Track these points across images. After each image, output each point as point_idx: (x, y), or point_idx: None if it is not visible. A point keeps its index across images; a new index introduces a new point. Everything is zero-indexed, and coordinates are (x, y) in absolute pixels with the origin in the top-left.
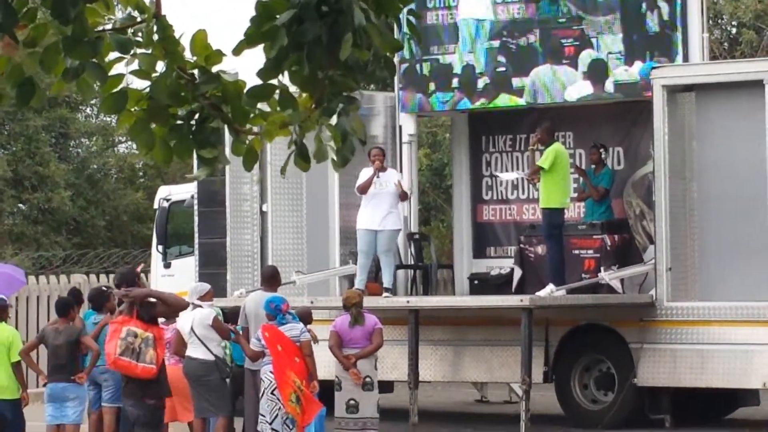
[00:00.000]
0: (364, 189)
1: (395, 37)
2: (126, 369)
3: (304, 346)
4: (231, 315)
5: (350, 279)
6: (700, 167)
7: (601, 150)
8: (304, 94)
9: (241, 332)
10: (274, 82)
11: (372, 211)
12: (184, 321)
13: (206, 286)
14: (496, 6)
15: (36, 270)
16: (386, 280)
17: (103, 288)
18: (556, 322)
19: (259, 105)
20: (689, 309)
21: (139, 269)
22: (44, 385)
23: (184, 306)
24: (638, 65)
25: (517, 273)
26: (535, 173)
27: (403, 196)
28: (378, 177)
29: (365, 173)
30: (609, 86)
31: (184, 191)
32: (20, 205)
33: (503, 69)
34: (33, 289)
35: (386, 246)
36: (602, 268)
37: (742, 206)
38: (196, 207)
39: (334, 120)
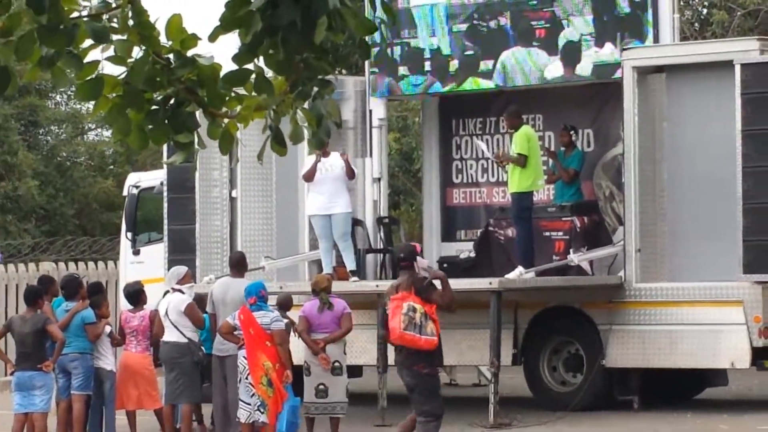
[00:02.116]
0: (309, 176)
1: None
2: (411, 342)
3: (276, 335)
4: (199, 300)
5: (319, 264)
6: (670, 149)
7: (572, 132)
8: (279, 78)
9: (208, 318)
10: (250, 66)
11: (321, 197)
12: (161, 305)
13: (183, 270)
14: None
15: (5, 258)
16: (349, 264)
17: (75, 275)
18: (525, 304)
19: (235, 89)
20: (658, 290)
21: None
22: (12, 374)
23: (450, 308)
24: (609, 46)
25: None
26: (516, 162)
27: (351, 174)
28: (321, 163)
29: (308, 160)
30: (581, 68)
31: (154, 178)
32: None
33: (472, 52)
34: (2, 277)
35: (341, 229)
36: (572, 250)
37: (712, 187)
38: (165, 193)
39: (308, 103)
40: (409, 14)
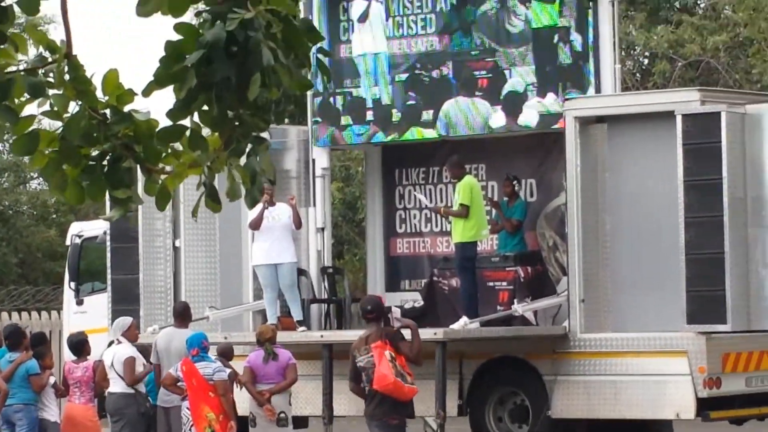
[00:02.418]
0: (256, 224)
1: (305, 75)
2: (399, 389)
3: (219, 386)
4: (143, 351)
5: (263, 314)
6: (612, 199)
7: (514, 182)
8: (214, 134)
9: (153, 368)
10: (186, 122)
11: (268, 246)
12: (106, 356)
13: (128, 320)
14: (404, 39)
15: None
16: (296, 314)
17: (18, 326)
18: (470, 354)
19: (172, 144)
20: (602, 340)
21: None
22: None
23: (417, 362)
24: (551, 96)
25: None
26: (458, 215)
27: (298, 223)
28: (268, 211)
29: (255, 208)
30: (524, 118)
31: (97, 227)
32: None
33: (414, 102)
34: None
35: (289, 279)
36: (516, 300)
37: (654, 238)
38: (108, 243)
39: (243, 160)
40: (351, 64)
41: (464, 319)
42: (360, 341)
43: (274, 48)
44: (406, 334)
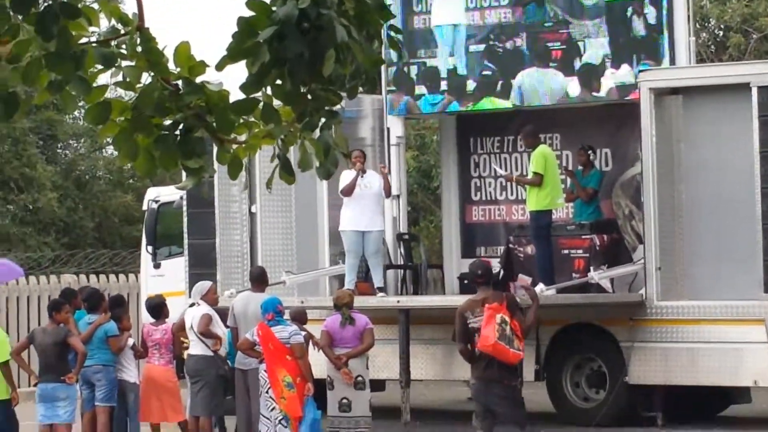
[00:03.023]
0: (348, 191)
1: (377, 50)
2: (502, 352)
3: (295, 349)
4: (221, 314)
5: (340, 279)
6: (687, 169)
7: (589, 152)
8: (286, 107)
9: (230, 332)
10: (257, 95)
11: (358, 213)
12: (187, 319)
13: (207, 285)
14: (479, 11)
15: (25, 271)
16: (377, 281)
17: (97, 289)
18: (547, 321)
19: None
20: (679, 308)
21: None
22: (35, 385)
23: (529, 329)
24: (625, 68)
25: (501, 273)
26: (532, 183)
27: (389, 192)
28: (361, 178)
29: (347, 175)
30: (599, 89)
31: (173, 192)
32: (8, 206)
33: (489, 72)
34: (23, 289)
35: (375, 247)
36: (592, 268)
37: (729, 207)
38: (185, 208)
39: (316, 134)
40: (427, 34)
41: (540, 286)
42: (473, 303)
43: (347, 24)
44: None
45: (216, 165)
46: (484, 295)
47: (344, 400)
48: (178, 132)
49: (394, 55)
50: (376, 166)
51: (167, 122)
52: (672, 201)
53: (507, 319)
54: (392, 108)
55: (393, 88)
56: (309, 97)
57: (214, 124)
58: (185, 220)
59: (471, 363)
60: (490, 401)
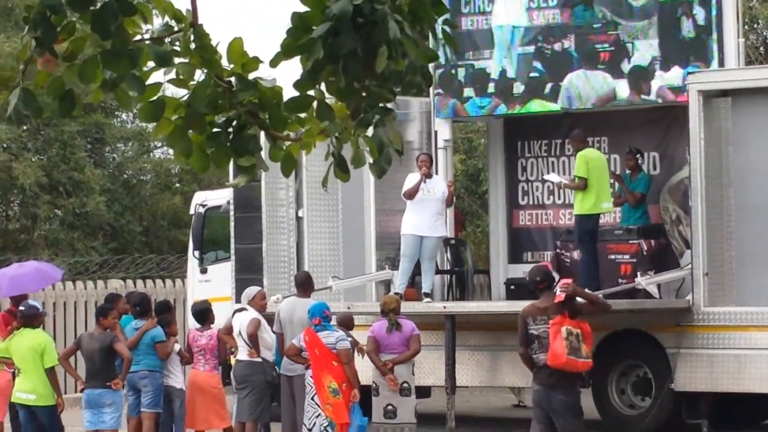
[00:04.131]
0: (411, 194)
1: (430, 46)
2: (573, 366)
3: (342, 355)
4: (270, 320)
5: (386, 284)
6: (736, 172)
7: (637, 155)
8: (339, 103)
9: (276, 338)
10: (311, 92)
11: (419, 217)
12: (235, 324)
13: (254, 290)
14: (530, 12)
15: (72, 275)
16: (426, 286)
17: (147, 294)
18: (593, 327)
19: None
20: (726, 314)
21: None
22: (81, 391)
23: (606, 307)
24: (674, 70)
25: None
26: (576, 188)
27: (450, 202)
28: (425, 183)
29: (412, 178)
30: (647, 91)
31: (220, 197)
32: (56, 210)
33: (537, 74)
34: (70, 294)
35: (431, 253)
36: (639, 273)
37: None
38: (232, 212)
39: (370, 131)
40: (472, 36)
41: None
42: (535, 309)
43: (401, 20)
44: None
45: (267, 163)
46: (548, 302)
47: (389, 407)
48: (231, 129)
49: (442, 56)
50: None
51: (220, 119)
52: (720, 205)
53: (572, 329)
54: (439, 111)
55: (440, 90)
56: (363, 93)
57: (267, 121)
58: (232, 224)
59: (530, 369)
60: (552, 407)
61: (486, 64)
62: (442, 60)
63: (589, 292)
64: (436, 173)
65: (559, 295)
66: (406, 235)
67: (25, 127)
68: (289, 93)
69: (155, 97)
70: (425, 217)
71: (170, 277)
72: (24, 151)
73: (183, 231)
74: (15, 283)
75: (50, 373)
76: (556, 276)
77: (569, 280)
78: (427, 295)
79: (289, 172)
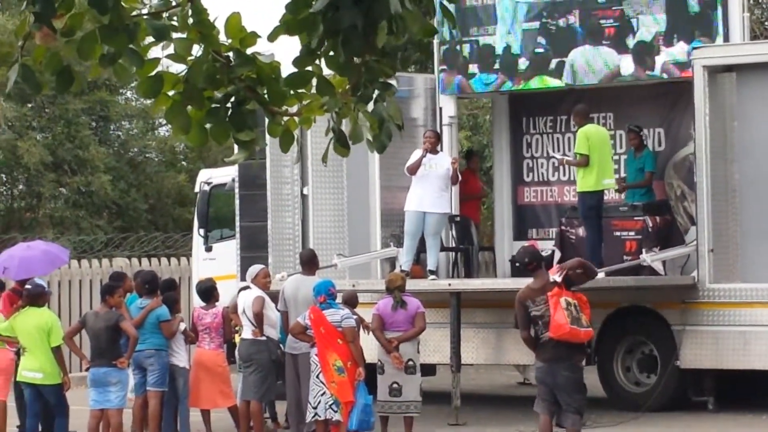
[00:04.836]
0: (412, 170)
1: (431, 21)
2: (576, 336)
3: (347, 333)
4: (274, 298)
5: (391, 262)
6: (741, 148)
7: (640, 132)
8: (338, 77)
9: (281, 316)
10: (310, 68)
11: (422, 193)
12: (239, 303)
13: (256, 269)
14: None
15: (77, 254)
16: (431, 263)
17: (155, 273)
18: (598, 304)
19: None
20: (732, 291)
21: None
22: (87, 370)
23: (593, 272)
24: (679, 45)
25: (557, 255)
26: (577, 164)
27: (455, 180)
28: (427, 159)
29: (416, 155)
30: (652, 67)
31: (225, 174)
32: (61, 189)
33: (542, 50)
34: (75, 273)
35: (434, 229)
36: (644, 250)
37: None
38: (237, 190)
39: (370, 106)
40: (477, 12)
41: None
42: (532, 291)
43: None
44: None
45: (268, 145)
46: (542, 281)
47: (395, 385)
48: (229, 104)
49: (446, 33)
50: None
51: (219, 95)
52: (725, 181)
53: (570, 299)
54: (444, 87)
55: (445, 67)
56: (363, 69)
57: (266, 96)
58: (237, 202)
59: (534, 349)
60: (556, 382)
61: (491, 40)
62: (446, 36)
63: (576, 259)
64: (441, 150)
65: (557, 279)
66: (409, 211)
67: (29, 106)
68: (287, 68)
69: (153, 73)
70: (427, 193)
71: (175, 255)
72: (28, 130)
73: (188, 209)
74: (24, 266)
75: (56, 351)
76: (558, 253)
77: (554, 267)
78: (431, 272)
79: (287, 147)
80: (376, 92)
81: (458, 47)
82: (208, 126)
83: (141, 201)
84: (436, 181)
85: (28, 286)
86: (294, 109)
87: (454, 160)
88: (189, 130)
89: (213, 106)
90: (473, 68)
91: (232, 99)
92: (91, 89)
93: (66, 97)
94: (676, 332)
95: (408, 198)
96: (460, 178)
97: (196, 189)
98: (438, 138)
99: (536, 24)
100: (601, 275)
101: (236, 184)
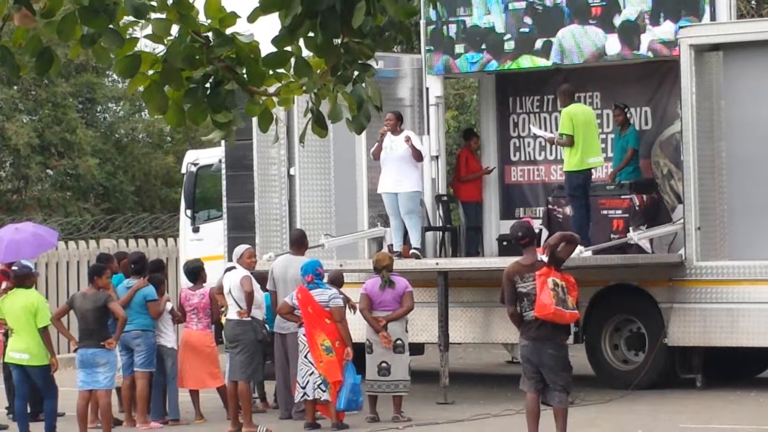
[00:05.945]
0: (376, 154)
1: (410, 2)
2: (560, 316)
3: (335, 313)
4: (259, 278)
5: (379, 241)
6: (727, 127)
7: (625, 110)
8: (317, 58)
9: (269, 296)
10: (289, 48)
11: (386, 175)
12: (225, 283)
13: (242, 249)
14: None
15: (65, 236)
16: (413, 241)
17: (143, 254)
18: (586, 282)
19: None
20: (719, 268)
21: None
22: (75, 351)
23: (576, 238)
24: (665, 25)
25: (544, 234)
26: (563, 144)
27: (417, 156)
28: (389, 140)
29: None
30: (638, 46)
31: (212, 155)
32: (48, 171)
33: (528, 30)
34: (62, 254)
35: (406, 208)
36: (631, 228)
37: None
38: (223, 171)
39: (349, 87)
40: None
41: (579, 247)
42: (521, 267)
43: None
44: None
45: (255, 129)
46: (532, 258)
47: (383, 364)
48: (208, 85)
49: (433, 14)
50: (415, 127)
51: (197, 75)
52: (712, 160)
53: (557, 280)
54: (431, 67)
55: (431, 47)
56: (342, 50)
57: (245, 77)
58: (224, 183)
59: (519, 326)
60: (542, 360)
61: (477, 20)
62: (432, 17)
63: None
64: (428, 131)
65: (543, 259)
66: (381, 193)
67: (16, 88)
68: (266, 49)
69: (131, 52)
70: (392, 173)
71: (162, 236)
72: (16, 112)
73: (175, 189)
74: (12, 249)
75: (43, 332)
76: (545, 232)
77: (540, 248)
78: (416, 250)
79: (266, 127)
80: (356, 73)
81: (445, 27)
82: (186, 106)
83: (128, 183)
84: (395, 162)
85: (14, 268)
86: (273, 89)
87: (407, 138)
88: (166, 110)
89: (191, 86)
90: (459, 48)
91: (211, 79)
92: (78, 71)
93: (53, 80)
94: (664, 310)
95: (380, 181)
96: (422, 151)
97: (183, 170)
98: (399, 119)
99: (522, 4)
100: (588, 254)
101: (223, 165)
